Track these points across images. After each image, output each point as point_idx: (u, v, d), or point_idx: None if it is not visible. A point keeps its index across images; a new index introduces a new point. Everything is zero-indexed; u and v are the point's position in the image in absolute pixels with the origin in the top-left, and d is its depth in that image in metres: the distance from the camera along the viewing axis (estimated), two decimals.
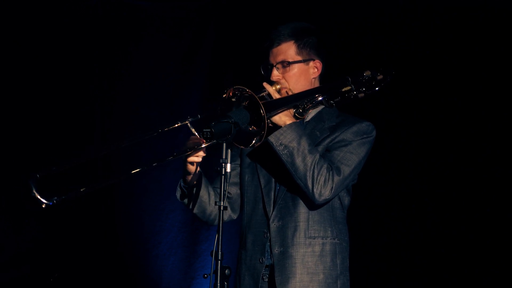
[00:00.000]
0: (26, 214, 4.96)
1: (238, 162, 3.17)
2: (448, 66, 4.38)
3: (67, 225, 5.00)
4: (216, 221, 3.10)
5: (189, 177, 2.95)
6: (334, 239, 2.96)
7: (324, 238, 2.94)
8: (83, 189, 2.68)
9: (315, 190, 2.84)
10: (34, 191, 2.57)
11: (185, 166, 2.90)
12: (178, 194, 3.05)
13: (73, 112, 5.12)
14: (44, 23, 5.01)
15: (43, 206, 2.58)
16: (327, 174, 2.85)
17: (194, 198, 3.03)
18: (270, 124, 2.87)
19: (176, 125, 2.80)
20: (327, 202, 2.93)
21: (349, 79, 3.04)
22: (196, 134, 2.75)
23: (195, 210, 3.06)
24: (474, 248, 4.25)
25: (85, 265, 5.01)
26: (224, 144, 2.61)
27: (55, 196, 2.57)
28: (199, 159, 2.86)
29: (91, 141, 5.14)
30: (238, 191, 3.17)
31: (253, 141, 2.77)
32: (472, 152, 4.31)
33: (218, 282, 2.52)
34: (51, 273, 4.67)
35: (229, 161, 2.62)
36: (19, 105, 4.93)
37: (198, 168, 2.94)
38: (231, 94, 2.78)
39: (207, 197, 3.06)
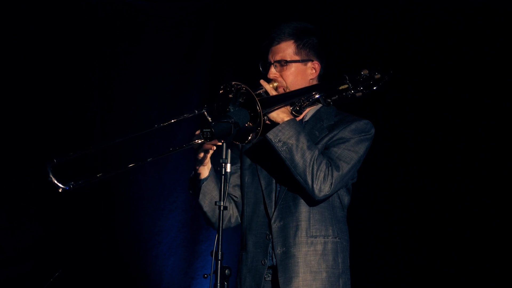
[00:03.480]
0: (26, 213, 4.97)
1: (239, 164, 3.17)
2: (447, 65, 4.39)
3: (67, 225, 5.00)
4: (224, 225, 3.11)
5: (199, 168, 2.96)
6: (335, 237, 2.96)
7: (325, 237, 2.93)
8: (100, 174, 2.74)
9: (315, 185, 2.84)
10: (51, 176, 2.62)
11: (196, 154, 2.92)
12: (188, 185, 3.06)
13: (73, 112, 5.12)
14: (44, 23, 5.01)
15: (60, 190, 2.61)
16: (327, 169, 2.84)
17: (204, 193, 3.01)
18: (267, 121, 2.87)
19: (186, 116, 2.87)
20: (327, 198, 2.92)
21: (347, 77, 3.04)
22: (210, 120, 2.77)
23: (205, 208, 3.04)
24: (474, 248, 4.25)
25: (85, 265, 5.01)
26: (224, 144, 2.61)
27: (71, 182, 2.59)
28: (211, 147, 2.87)
29: (91, 141, 5.15)
30: None
31: (249, 137, 2.76)
32: (472, 151, 4.31)
33: (218, 282, 2.52)
34: (52, 272, 4.67)
35: (229, 161, 2.61)
36: (20, 105, 4.94)
37: (209, 162, 2.96)
38: (227, 89, 2.78)
39: (218, 196, 3.04)
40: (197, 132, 2.85)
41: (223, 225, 3.12)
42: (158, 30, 5.37)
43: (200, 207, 3.05)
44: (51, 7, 5.03)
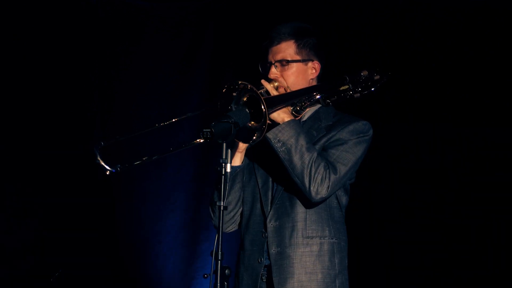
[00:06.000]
0: (26, 213, 4.97)
1: None
2: (447, 65, 4.39)
3: (67, 226, 5.00)
4: (229, 228, 3.12)
5: (234, 156, 2.97)
6: (332, 238, 2.95)
7: (322, 238, 2.93)
8: (145, 158, 2.77)
9: (312, 188, 2.83)
10: (99, 158, 2.64)
11: (236, 147, 2.93)
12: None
13: (74, 112, 5.12)
14: (44, 23, 5.02)
15: (107, 173, 2.64)
16: (324, 172, 2.84)
17: (234, 181, 3.01)
18: (268, 121, 2.87)
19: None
20: (323, 200, 2.92)
21: (347, 78, 3.04)
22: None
23: (228, 197, 3.03)
24: (474, 248, 4.26)
25: (85, 265, 5.01)
26: (224, 144, 2.62)
27: (118, 164, 2.62)
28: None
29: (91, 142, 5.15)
30: None
31: (254, 137, 2.77)
32: (472, 151, 4.31)
33: (218, 282, 2.52)
34: (52, 272, 4.67)
35: (229, 161, 2.62)
36: (21, 105, 4.94)
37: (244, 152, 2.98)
38: (231, 88, 2.79)
39: (235, 200, 3.06)
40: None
41: (235, 228, 3.14)
42: (158, 30, 5.37)
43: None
44: (51, 7, 5.03)
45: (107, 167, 2.64)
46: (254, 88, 2.75)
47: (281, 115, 2.89)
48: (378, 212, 4.51)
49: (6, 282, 4.88)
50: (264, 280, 2.96)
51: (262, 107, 2.71)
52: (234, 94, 2.79)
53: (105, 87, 5.32)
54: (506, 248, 4.20)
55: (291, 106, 2.99)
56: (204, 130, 2.58)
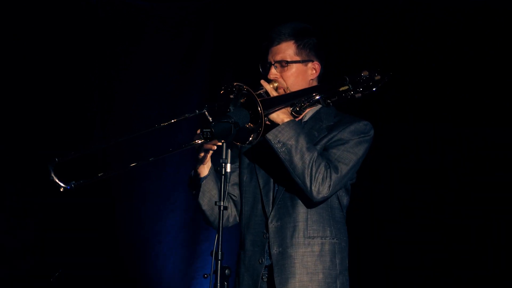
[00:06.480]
0: (26, 213, 4.97)
1: (238, 163, 3.17)
2: (447, 65, 4.39)
3: (67, 225, 5.00)
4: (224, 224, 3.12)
5: (199, 167, 2.97)
6: (333, 239, 2.95)
7: (323, 238, 2.93)
8: (101, 174, 2.78)
9: (313, 187, 2.83)
10: (53, 175, 2.67)
11: (197, 154, 2.92)
12: (188, 184, 3.07)
13: (74, 112, 5.12)
14: (45, 23, 5.02)
15: (61, 189, 2.66)
16: (325, 172, 2.84)
17: (204, 192, 3.02)
18: (267, 122, 2.86)
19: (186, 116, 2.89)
20: (325, 200, 2.92)
21: (347, 78, 3.04)
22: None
23: (204, 207, 3.04)
24: (474, 248, 4.26)
25: (85, 265, 5.01)
26: (224, 144, 2.62)
27: (72, 181, 2.62)
28: (212, 147, 2.87)
29: (91, 141, 5.14)
30: None
31: (250, 138, 2.76)
32: (472, 151, 4.31)
33: (218, 282, 2.52)
34: (52, 272, 4.67)
35: (229, 161, 2.62)
36: (21, 105, 4.94)
37: (210, 161, 2.97)
38: (228, 90, 2.79)
39: (217, 195, 3.04)
40: (199, 131, 2.85)
41: (230, 225, 3.15)
42: (158, 30, 5.37)
43: (199, 205, 3.05)
44: (51, 7, 5.03)
45: (62, 184, 2.67)
46: (250, 90, 2.75)
47: (281, 116, 2.88)
48: (378, 212, 4.51)
49: (6, 282, 4.88)
50: (265, 280, 2.96)
51: (258, 108, 2.70)
52: (231, 96, 2.79)
53: (105, 87, 5.32)
54: (506, 248, 4.21)
55: (291, 107, 2.99)
56: (204, 130, 2.59)
